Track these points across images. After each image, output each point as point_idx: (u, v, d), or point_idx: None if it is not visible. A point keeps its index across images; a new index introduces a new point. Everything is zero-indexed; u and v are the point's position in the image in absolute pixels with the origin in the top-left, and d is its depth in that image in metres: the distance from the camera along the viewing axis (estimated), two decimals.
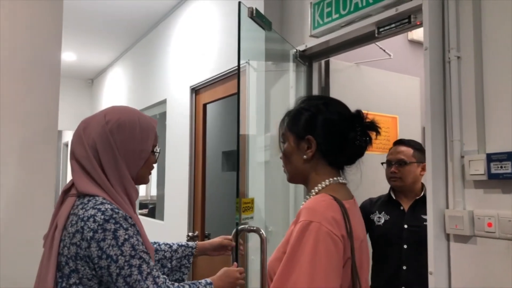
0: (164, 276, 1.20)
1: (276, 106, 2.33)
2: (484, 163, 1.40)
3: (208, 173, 3.39)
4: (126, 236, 1.12)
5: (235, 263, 1.57)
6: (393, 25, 1.83)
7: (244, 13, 1.86)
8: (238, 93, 1.81)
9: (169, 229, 3.71)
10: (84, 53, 5.37)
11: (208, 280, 1.34)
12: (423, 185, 2.05)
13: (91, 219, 1.10)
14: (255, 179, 2.18)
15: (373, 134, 1.11)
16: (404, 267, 1.92)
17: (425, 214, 1.79)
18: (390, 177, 2.08)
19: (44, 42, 2.07)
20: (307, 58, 2.37)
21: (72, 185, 1.20)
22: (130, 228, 1.14)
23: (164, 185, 3.91)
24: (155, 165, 1.32)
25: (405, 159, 2.03)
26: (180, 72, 3.70)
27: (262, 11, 2.36)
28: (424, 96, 1.57)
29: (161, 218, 3.96)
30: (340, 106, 1.15)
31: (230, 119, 3.58)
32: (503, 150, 1.37)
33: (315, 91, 2.37)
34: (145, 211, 5.25)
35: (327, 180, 1.09)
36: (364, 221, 1.18)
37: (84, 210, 1.13)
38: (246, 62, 2.71)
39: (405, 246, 1.96)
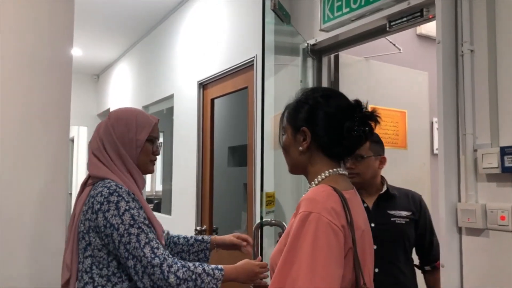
0: (167, 252, 1.30)
1: (285, 101, 2.32)
2: (497, 157, 1.40)
3: (215, 168, 3.40)
4: (127, 207, 1.27)
5: (259, 257, 1.57)
6: (404, 19, 1.82)
7: (267, 5, 1.87)
8: (262, 86, 1.89)
9: (177, 223, 3.73)
10: (90, 48, 5.38)
11: (220, 266, 1.34)
12: (382, 179, 1.92)
13: (99, 195, 1.29)
14: (269, 173, 2.18)
15: (373, 125, 1.09)
16: (376, 270, 1.69)
17: (392, 209, 1.78)
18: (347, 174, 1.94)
19: (56, 39, 2.08)
20: (316, 52, 2.37)
21: (89, 177, 1.41)
22: (131, 201, 1.30)
23: (172, 180, 3.93)
24: (159, 157, 1.49)
25: (362, 153, 1.83)
26: (187, 67, 3.71)
27: None
28: (435, 90, 1.57)
29: (168, 213, 3.99)
30: (337, 97, 1.13)
31: (237, 114, 3.58)
32: None
33: (324, 85, 2.37)
34: (150, 206, 5.27)
35: (326, 172, 1.08)
36: None
37: (94, 190, 1.32)
38: (254, 56, 2.72)
39: (375, 247, 1.77)
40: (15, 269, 1.90)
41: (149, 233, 1.27)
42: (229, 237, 1.66)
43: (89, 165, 1.39)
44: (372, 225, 1.71)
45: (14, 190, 1.93)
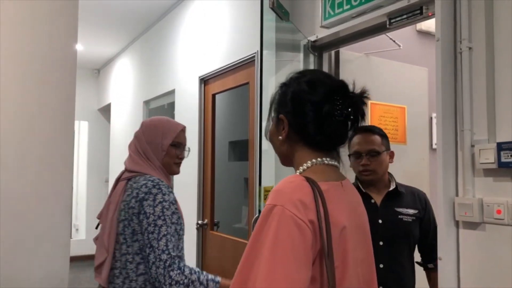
0: (179, 251, 1.47)
1: None
2: (494, 152, 1.43)
3: (216, 163, 3.43)
4: (161, 199, 1.47)
5: None
6: (404, 16, 1.85)
7: (265, 3, 1.89)
8: (261, 83, 1.90)
9: None
10: (91, 43, 5.40)
11: (218, 278, 1.44)
12: (390, 175, 1.87)
13: (143, 186, 1.49)
14: (269, 167, 2.22)
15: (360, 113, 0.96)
16: (381, 266, 1.71)
17: (399, 207, 1.78)
18: (361, 171, 1.80)
19: (60, 35, 2.10)
20: (317, 49, 2.40)
21: (122, 173, 1.63)
22: (167, 194, 1.50)
23: None
24: (185, 160, 1.70)
25: (377, 149, 1.78)
26: (188, 63, 3.73)
27: None
28: (434, 86, 1.59)
29: None
30: (316, 78, 0.99)
31: (238, 109, 3.61)
32: None
33: None
34: None
35: (309, 162, 0.96)
36: None
37: (137, 183, 1.52)
38: (255, 52, 2.74)
39: (380, 243, 1.75)
40: (19, 262, 1.94)
41: (171, 227, 1.45)
42: None
43: (129, 162, 1.62)
44: (380, 221, 1.77)
45: (19, 184, 1.96)
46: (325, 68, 2.41)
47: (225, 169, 3.97)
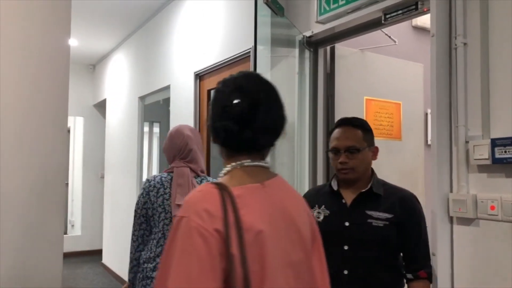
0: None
1: (282, 92, 2.34)
2: (488, 148, 1.44)
3: (211, 159, 3.43)
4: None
5: None
6: (400, 12, 1.84)
7: None
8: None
9: None
10: (86, 38, 5.36)
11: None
12: (373, 172, 1.67)
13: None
14: None
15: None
16: (345, 272, 1.56)
17: (371, 209, 1.58)
18: (339, 169, 1.63)
19: (53, 30, 2.08)
20: (312, 44, 2.39)
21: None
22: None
23: None
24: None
25: (357, 145, 1.60)
26: (184, 58, 3.71)
27: None
28: (430, 82, 1.59)
29: None
30: (230, 80, 1.02)
31: None
32: (508, 135, 1.41)
33: (320, 77, 2.39)
34: None
35: (228, 166, 0.97)
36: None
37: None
38: (250, 48, 2.73)
39: (345, 247, 1.58)
40: (12, 258, 1.93)
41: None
42: None
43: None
44: (346, 224, 1.60)
45: (12, 180, 1.95)
46: (321, 64, 2.41)
47: (220, 165, 3.96)
